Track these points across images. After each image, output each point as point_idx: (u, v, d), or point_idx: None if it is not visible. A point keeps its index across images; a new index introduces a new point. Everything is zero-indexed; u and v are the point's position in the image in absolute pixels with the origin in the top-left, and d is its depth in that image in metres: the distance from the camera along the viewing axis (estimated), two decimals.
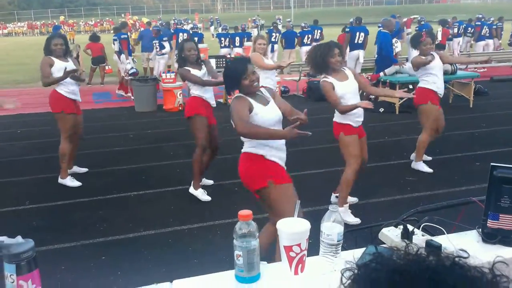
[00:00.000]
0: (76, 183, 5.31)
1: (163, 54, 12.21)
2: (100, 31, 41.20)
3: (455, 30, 15.16)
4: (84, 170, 5.76)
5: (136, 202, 4.89)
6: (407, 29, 14.23)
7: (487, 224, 1.65)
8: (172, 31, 13.78)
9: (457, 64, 8.89)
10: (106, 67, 13.33)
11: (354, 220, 4.12)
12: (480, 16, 15.59)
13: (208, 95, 4.77)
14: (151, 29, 13.04)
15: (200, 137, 4.69)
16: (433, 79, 5.22)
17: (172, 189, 5.16)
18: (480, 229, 1.69)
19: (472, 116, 8.27)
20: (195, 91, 4.73)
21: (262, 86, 3.23)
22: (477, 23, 15.25)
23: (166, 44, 11.96)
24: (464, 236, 1.70)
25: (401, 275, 0.63)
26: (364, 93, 9.61)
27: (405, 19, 14.80)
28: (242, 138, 2.92)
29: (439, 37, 13.38)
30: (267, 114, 2.88)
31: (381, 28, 9.79)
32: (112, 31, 14.22)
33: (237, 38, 14.25)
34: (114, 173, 5.81)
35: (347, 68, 4.14)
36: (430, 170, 5.38)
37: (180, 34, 13.23)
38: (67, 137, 5.24)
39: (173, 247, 3.85)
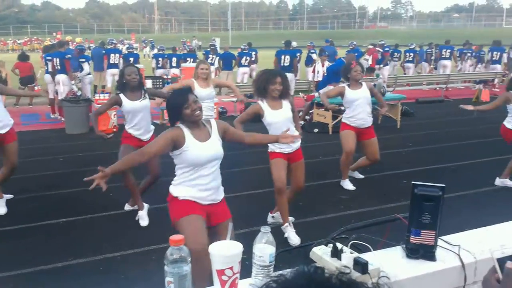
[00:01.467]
0: (1, 210, 5.01)
1: (82, 75, 11.83)
2: (29, 50, 39.46)
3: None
4: (9, 196, 5.42)
5: (65, 229, 4.66)
6: (368, 56, 14.88)
7: (410, 240, 1.73)
8: (104, 51, 13.44)
9: (385, 86, 9.39)
10: (35, 87, 12.73)
11: (295, 239, 4.18)
12: (383, 42, 16.57)
13: (139, 132, 4.64)
14: (74, 48, 12.65)
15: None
16: (350, 113, 5.54)
17: (105, 214, 4.98)
18: (404, 245, 1.77)
19: (400, 136, 8.72)
20: (126, 125, 4.67)
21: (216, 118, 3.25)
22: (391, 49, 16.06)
23: (85, 66, 11.58)
24: (389, 252, 1.77)
25: None
26: (300, 115, 9.90)
27: (370, 46, 15.72)
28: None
29: (370, 62, 14.13)
30: (199, 150, 2.84)
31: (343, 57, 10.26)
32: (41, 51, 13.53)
33: (174, 59, 14.21)
34: (42, 199, 5.52)
35: (287, 99, 4.22)
36: (353, 188, 5.71)
37: (112, 54, 12.94)
38: None
39: (104, 275, 3.69)
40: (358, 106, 5.47)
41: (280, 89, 4.10)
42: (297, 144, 4.22)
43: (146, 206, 4.91)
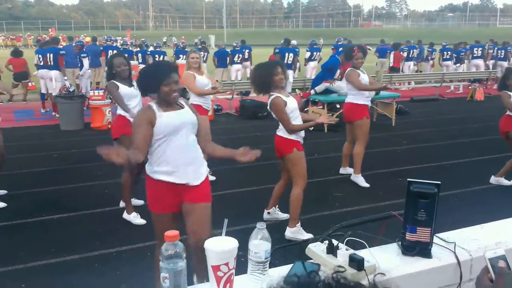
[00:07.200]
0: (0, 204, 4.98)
1: (83, 71, 11.81)
2: (23, 45, 39.17)
3: (405, 54, 15.44)
4: (3, 192, 5.38)
5: (59, 225, 4.63)
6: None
7: (406, 237, 1.72)
8: (101, 48, 13.40)
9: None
10: (29, 84, 12.67)
11: (307, 236, 4.13)
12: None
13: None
14: (73, 44, 12.60)
15: None
16: (363, 93, 5.54)
17: (100, 211, 4.95)
18: (400, 242, 1.76)
19: (394, 134, 8.73)
20: (121, 110, 4.57)
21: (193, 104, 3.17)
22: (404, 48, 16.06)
23: (85, 61, 11.58)
24: (385, 249, 1.77)
25: None
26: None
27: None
28: None
29: (391, 60, 14.33)
30: (168, 118, 2.71)
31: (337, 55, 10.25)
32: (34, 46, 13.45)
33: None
34: (36, 195, 5.48)
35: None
36: (367, 185, 5.63)
37: (110, 51, 12.91)
38: None
39: (99, 272, 3.67)
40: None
41: (283, 77, 3.97)
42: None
43: (140, 202, 4.89)
